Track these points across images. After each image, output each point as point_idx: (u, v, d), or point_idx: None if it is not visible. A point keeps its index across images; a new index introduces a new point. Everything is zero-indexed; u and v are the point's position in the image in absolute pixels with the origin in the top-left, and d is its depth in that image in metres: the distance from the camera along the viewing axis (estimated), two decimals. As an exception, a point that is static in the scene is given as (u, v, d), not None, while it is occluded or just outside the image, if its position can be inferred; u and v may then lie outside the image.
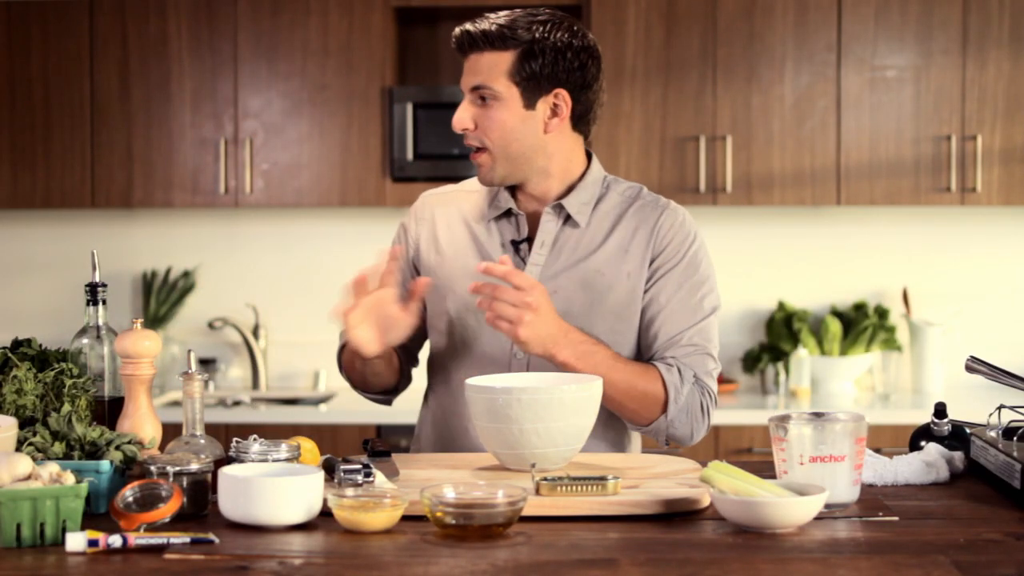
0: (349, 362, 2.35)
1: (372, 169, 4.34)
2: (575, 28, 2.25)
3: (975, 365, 2.12)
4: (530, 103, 2.22)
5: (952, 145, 4.24)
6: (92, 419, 1.98)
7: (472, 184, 2.39)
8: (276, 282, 4.71)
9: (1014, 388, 2.08)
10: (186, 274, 4.69)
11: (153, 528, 1.65)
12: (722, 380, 4.48)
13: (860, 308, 4.53)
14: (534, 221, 2.30)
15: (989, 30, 4.24)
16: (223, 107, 4.36)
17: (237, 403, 4.36)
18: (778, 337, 4.49)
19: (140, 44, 4.36)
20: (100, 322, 2.06)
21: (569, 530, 1.69)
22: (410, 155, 4.32)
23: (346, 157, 4.35)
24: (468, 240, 2.32)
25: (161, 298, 4.65)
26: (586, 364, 2.11)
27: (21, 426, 1.85)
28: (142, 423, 1.93)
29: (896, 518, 1.76)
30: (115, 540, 1.57)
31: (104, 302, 2.06)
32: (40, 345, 2.05)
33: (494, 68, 2.22)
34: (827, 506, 1.75)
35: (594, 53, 2.26)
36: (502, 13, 2.26)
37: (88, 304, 2.07)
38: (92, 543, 1.57)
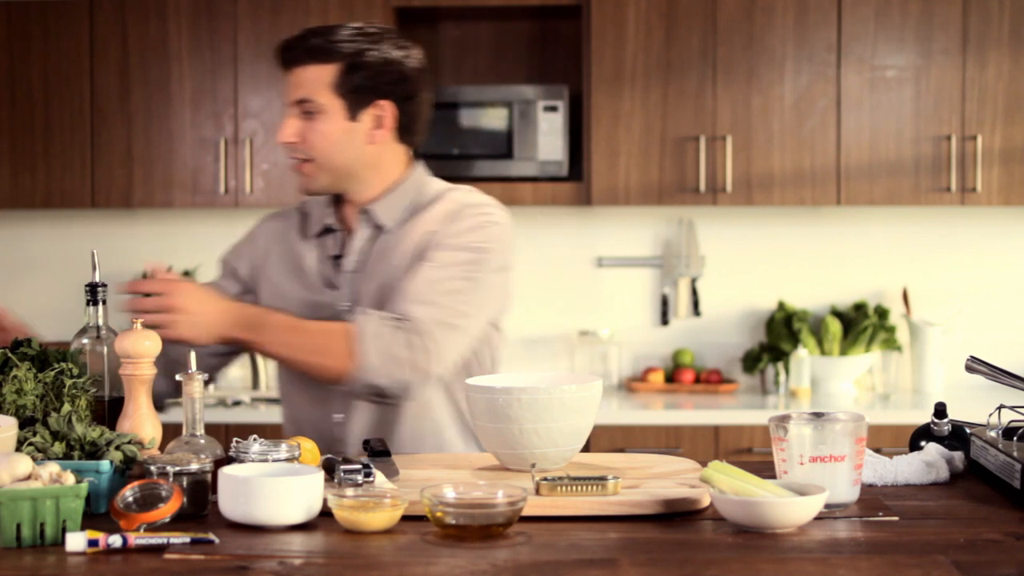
0: None
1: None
2: (398, 41, 2.32)
3: (975, 365, 2.12)
4: (354, 115, 2.28)
5: (952, 145, 4.24)
6: (92, 419, 1.98)
7: (305, 204, 2.45)
8: (276, 282, 4.70)
9: (1014, 388, 2.08)
10: (186, 274, 4.69)
11: (153, 528, 1.65)
12: (722, 380, 4.49)
13: (860, 308, 4.53)
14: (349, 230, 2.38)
15: (989, 30, 4.23)
16: (223, 107, 4.36)
17: (237, 403, 4.36)
18: (778, 337, 4.49)
19: (140, 44, 4.36)
20: (100, 322, 2.06)
21: (569, 530, 1.69)
22: (410, 155, 4.31)
23: (346, 157, 4.34)
24: (289, 260, 2.39)
25: (161, 298, 4.64)
26: (259, 334, 2.15)
27: (21, 426, 1.85)
28: (142, 423, 1.93)
29: (896, 518, 1.76)
30: (115, 540, 1.57)
31: (104, 302, 2.07)
32: (40, 345, 2.05)
33: (317, 81, 2.27)
34: (827, 506, 1.75)
35: (418, 66, 2.32)
36: (325, 27, 2.33)
37: (88, 304, 2.07)
38: (92, 543, 1.57)
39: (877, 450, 2.20)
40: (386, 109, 2.29)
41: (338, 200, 2.39)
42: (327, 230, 2.38)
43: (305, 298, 2.33)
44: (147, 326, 1.99)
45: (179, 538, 1.59)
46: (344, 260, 2.34)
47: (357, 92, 2.27)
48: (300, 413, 2.40)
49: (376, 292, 2.28)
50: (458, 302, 2.21)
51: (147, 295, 2.15)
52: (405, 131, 2.34)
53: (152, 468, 1.75)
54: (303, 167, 2.30)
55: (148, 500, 1.68)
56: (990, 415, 2.04)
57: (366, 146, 2.30)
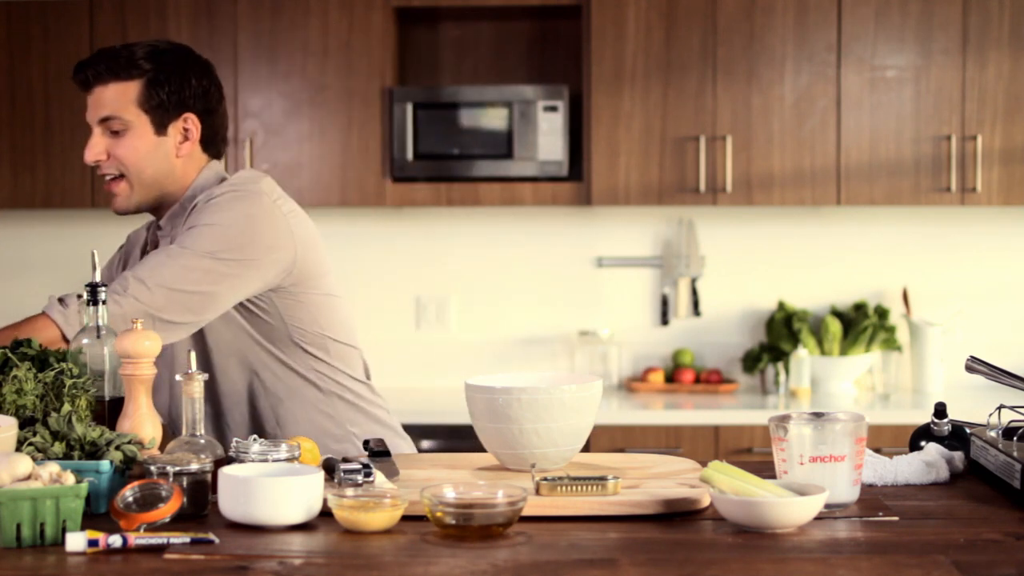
0: None
1: (372, 169, 4.34)
2: (194, 54, 2.39)
3: (975, 365, 2.12)
4: (161, 129, 2.32)
5: (952, 145, 4.24)
6: (92, 419, 1.98)
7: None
8: (276, 282, 4.70)
9: (1014, 388, 2.08)
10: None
11: (153, 528, 1.65)
12: (722, 380, 4.49)
13: (860, 308, 4.53)
14: None
15: (989, 30, 4.23)
16: (223, 107, 4.35)
17: (237, 403, 4.36)
18: (778, 337, 4.49)
19: (140, 44, 4.36)
20: (100, 322, 2.06)
21: (569, 530, 1.69)
22: (410, 155, 4.32)
23: (346, 157, 4.34)
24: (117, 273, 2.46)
25: (161, 298, 4.64)
26: None
27: (21, 426, 1.85)
28: (142, 423, 1.93)
29: (896, 518, 1.76)
30: (115, 540, 1.57)
31: (104, 302, 2.06)
32: (40, 345, 2.05)
33: (121, 98, 2.29)
34: (827, 506, 1.75)
35: (215, 79, 2.42)
36: (121, 46, 2.33)
37: (88, 304, 2.06)
38: (92, 543, 1.57)
39: (877, 450, 2.20)
40: (192, 122, 2.35)
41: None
42: (144, 249, 2.46)
43: None
44: None
45: (179, 538, 1.59)
46: None
47: (162, 107, 2.31)
48: (166, 404, 2.42)
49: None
50: (177, 278, 2.18)
51: None
52: (209, 143, 2.40)
53: (152, 468, 1.75)
54: (114, 186, 2.35)
55: (148, 500, 1.68)
56: (990, 415, 2.04)
57: (174, 159, 2.35)
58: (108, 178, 2.34)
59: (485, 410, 1.98)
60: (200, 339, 2.34)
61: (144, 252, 2.46)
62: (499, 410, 1.95)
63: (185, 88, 2.33)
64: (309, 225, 2.41)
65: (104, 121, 2.30)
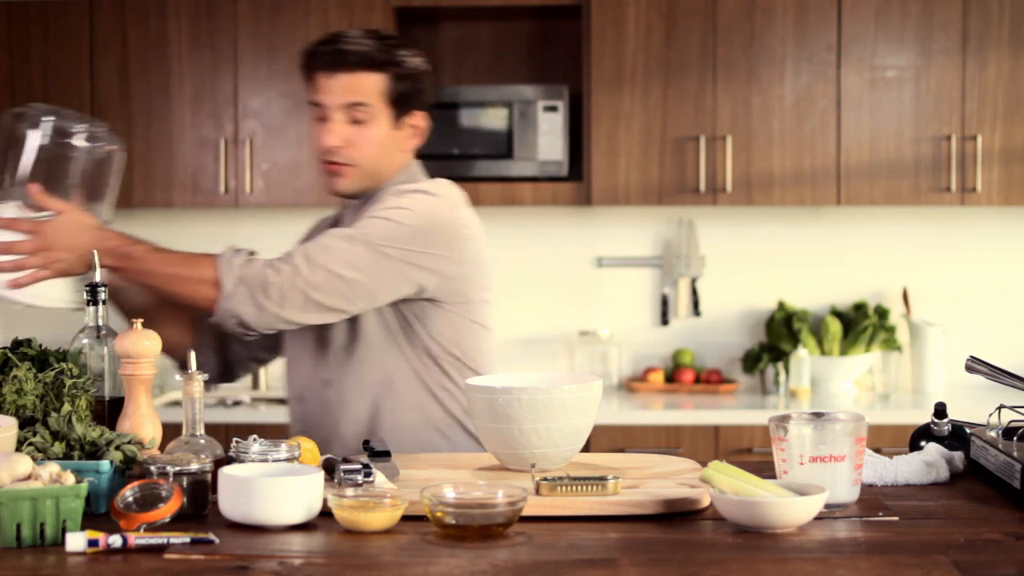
0: None
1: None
2: (422, 56, 2.39)
3: (975, 365, 2.12)
4: (397, 123, 2.34)
5: (952, 145, 4.24)
6: (92, 419, 1.98)
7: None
8: (276, 282, 4.70)
9: (1014, 388, 2.08)
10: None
11: (153, 528, 1.65)
12: (722, 380, 4.49)
13: (860, 308, 4.53)
14: None
15: (989, 30, 4.24)
16: (223, 107, 4.36)
17: (237, 403, 4.36)
18: (778, 337, 4.49)
19: (140, 44, 4.36)
20: (100, 322, 2.06)
21: (569, 530, 1.69)
22: (410, 155, 4.31)
23: (346, 157, 4.34)
24: None
25: (161, 298, 4.65)
26: (126, 262, 2.17)
27: (21, 426, 1.85)
28: (142, 423, 1.93)
29: (896, 518, 1.76)
30: (115, 540, 1.57)
31: (104, 302, 2.07)
32: (40, 345, 2.05)
33: (371, 87, 2.30)
34: (827, 506, 1.75)
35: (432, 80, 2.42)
36: (358, 35, 2.34)
37: (88, 304, 2.07)
38: (92, 543, 1.57)
39: (877, 450, 2.20)
40: (420, 119, 2.38)
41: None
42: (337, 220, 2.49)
43: None
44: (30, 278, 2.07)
45: (179, 538, 1.59)
46: None
47: (403, 101, 2.33)
48: (297, 377, 2.44)
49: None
50: (340, 261, 2.20)
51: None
52: (425, 139, 2.44)
53: (152, 468, 1.75)
54: (341, 169, 2.34)
55: (148, 500, 1.68)
56: (990, 415, 2.04)
57: (398, 153, 2.37)
58: (334, 163, 2.34)
59: (485, 410, 1.98)
60: (352, 328, 2.34)
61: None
62: (499, 410, 1.95)
63: (422, 86, 2.36)
64: (483, 248, 2.39)
65: (350, 107, 2.30)
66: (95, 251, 2.13)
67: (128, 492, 1.69)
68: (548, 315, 4.63)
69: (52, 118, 2.20)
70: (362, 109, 2.29)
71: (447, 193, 2.36)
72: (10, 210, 2.15)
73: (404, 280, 2.25)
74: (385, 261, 2.22)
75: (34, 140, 2.21)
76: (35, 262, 2.14)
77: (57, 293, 2.17)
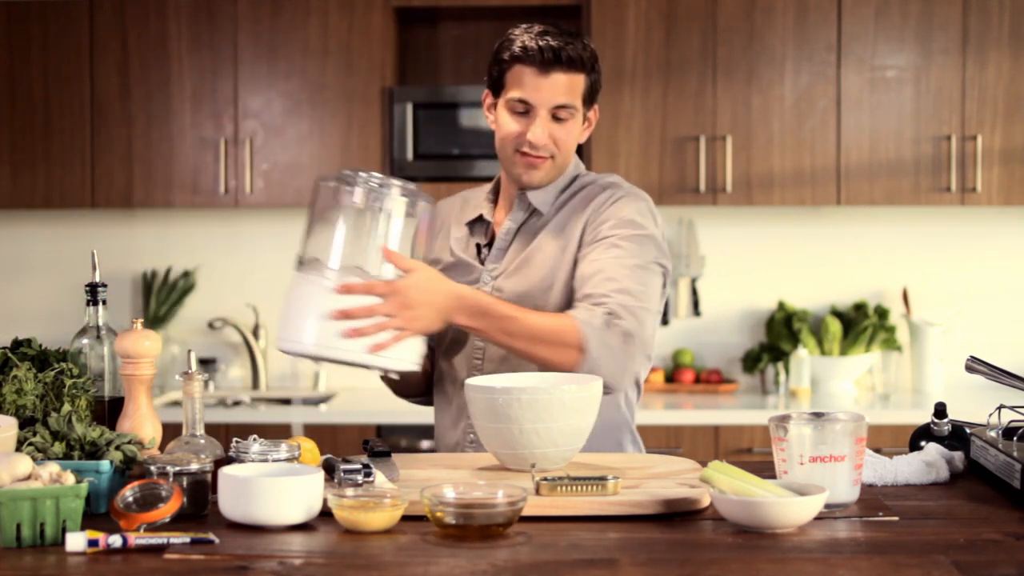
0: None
1: (372, 169, 4.33)
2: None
3: (975, 365, 2.12)
4: (584, 119, 2.39)
5: (952, 145, 4.24)
6: (92, 419, 1.98)
7: (473, 191, 2.54)
8: (276, 282, 4.69)
9: (1014, 388, 2.08)
10: (186, 274, 4.69)
11: (153, 528, 1.65)
12: (722, 380, 4.49)
13: (860, 308, 4.53)
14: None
15: (989, 30, 4.24)
16: (223, 107, 4.36)
17: (237, 403, 4.36)
18: (778, 337, 4.49)
19: (140, 44, 4.36)
20: (100, 322, 2.06)
21: (569, 530, 1.69)
22: (410, 155, 4.32)
23: (346, 157, 4.34)
24: (446, 245, 2.48)
25: (161, 298, 4.65)
26: (483, 321, 2.15)
27: (21, 426, 1.85)
28: (142, 423, 1.93)
29: (896, 518, 1.76)
30: (115, 540, 1.57)
31: (104, 302, 2.07)
32: (40, 345, 2.05)
33: (576, 88, 2.33)
34: (827, 506, 1.75)
35: None
36: (558, 32, 2.35)
37: (88, 304, 2.07)
38: (92, 543, 1.57)
39: (877, 450, 2.20)
40: (595, 113, 2.42)
41: (497, 191, 2.47)
42: (479, 219, 2.45)
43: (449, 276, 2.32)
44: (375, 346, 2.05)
45: (179, 538, 1.59)
46: (494, 243, 2.41)
47: (591, 99, 2.38)
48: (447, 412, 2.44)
49: (523, 265, 2.34)
50: (641, 290, 2.25)
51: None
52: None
53: (152, 468, 1.75)
54: (540, 162, 2.35)
55: (148, 500, 1.68)
56: (990, 415, 2.04)
57: (576, 145, 2.42)
58: (535, 155, 2.34)
59: (485, 410, 1.98)
60: None
61: (479, 220, 2.44)
62: (499, 410, 1.95)
63: (600, 82, 2.39)
64: None
65: (559, 108, 2.32)
66: (94, 251, 2.12)
67: (128, 492, 1.69)
68: (548, 315, 4.63)
69: (366, 179, 2.20)
70: (567, 109, 2.32)
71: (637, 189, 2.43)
72: (352, 274, 2.10)
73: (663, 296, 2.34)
74: (658, 281, 2.30)
75: (357, 200, 2.19)
76: (396, 323, 2.07)
77: (412, 355, 2.13)
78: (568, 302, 2.29)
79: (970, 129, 4.24)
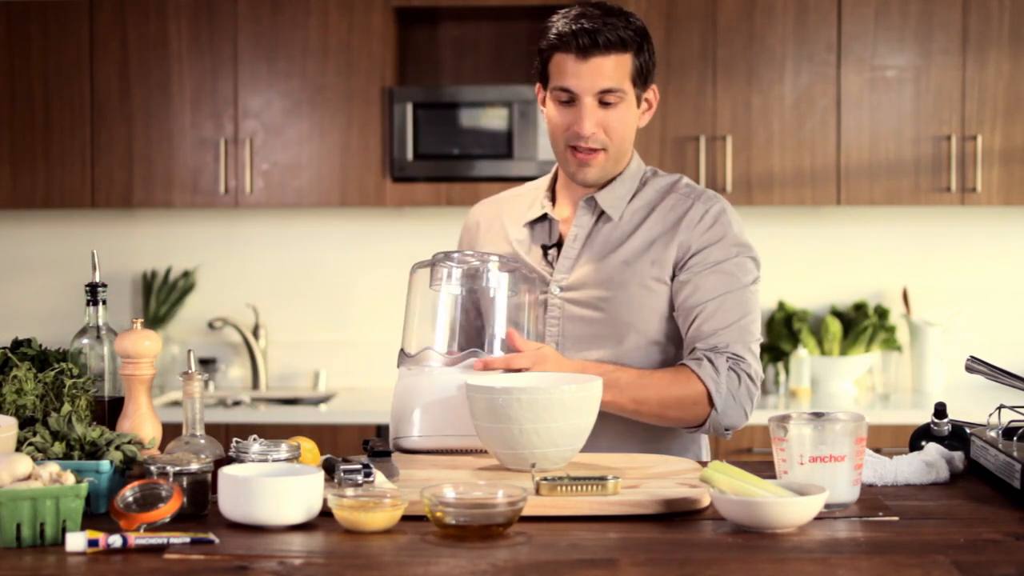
0: None
1: (372, 169, 4.34)
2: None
3: (975, 365, 2.12)
4: (639, 101, 2.28)
5: (952, 145, 4.24)
6: (92, 419, 1.98)
7: (518, 189, 2.45)
8: (276, 282, 4.71)
9: (1014, 388, 2.08)
10: (186, 274, 4.69)
11: (153, 528, 1.65)
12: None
13: (860, 308, 4.53)
14: (568, 219, 2.35)
15: (989, 30, 4.24)
16: (223, 107, 4.36)
17: (237, 403, 4.36)
18: (778, 337, 4.49)
19: (140, 44, 4.37)
20: (100, 322, 2.06)
21: (569, 530, 1.69)
22: (410, 155, 4.32)
23: (346, 157, 4.35)
24: (502, 245, 2.36)
25: (161, 298, 4.65)
26: (613, 393, 2.13)
27: (21, 426, 1.85)
28: (142, 423, 1.93)
29: (896, 518, 1.76)
30: (115, 540, 1.57)
31: (104, 302, 2.07)
32: (40, 345, 2.05)
33: (620, 70, 2.22)
34: (827, 506, 1.75)
35: None
36: (599, 13, 2.23)
37: (88, 304, 2.07)
38: (92, 543, 1.57)
39: (877, 450, 2.19)
40: (654, 93, 2.32)
41: (553, 187, 2.38)
42: (542, 218, 2.35)
43: None
44: None
45: (179, 538, 1.59)
46: (559, 253, 2.31)
47: (644, 79, 2.27)
48: None
49: (604, 278, 2.27)
50: (751, 319, 2.25)
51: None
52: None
53: (152, 468, 1.75)
54: (593, 157, 2.25)
55: (148, 500, 1.68)
56: (990, 415, 2.04)
57: (635, 131, 2.32)
58: (586, 149, 2.24)
59: (485, 410, 1.98)
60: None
61: (542, 219, 2.35)
62: (499, 410, 1.95)
63: (653, 58, 2.28)
64: None
65: (603, 93, 2.21)
66: (94, 251, 2.12)
67: (128, 492, 1.69)
68: (548, 315, 4.62)
69: (465, 265, 2.19)
70: (614, 93, 2.22)
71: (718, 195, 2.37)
72: (468, 359, 2.11)
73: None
74: (759, 298, 2.29)
75: (456, 282, 2.18)
76: None
77: None
78: (648, 317, 2.24)
79: (970, 129, 4.24)
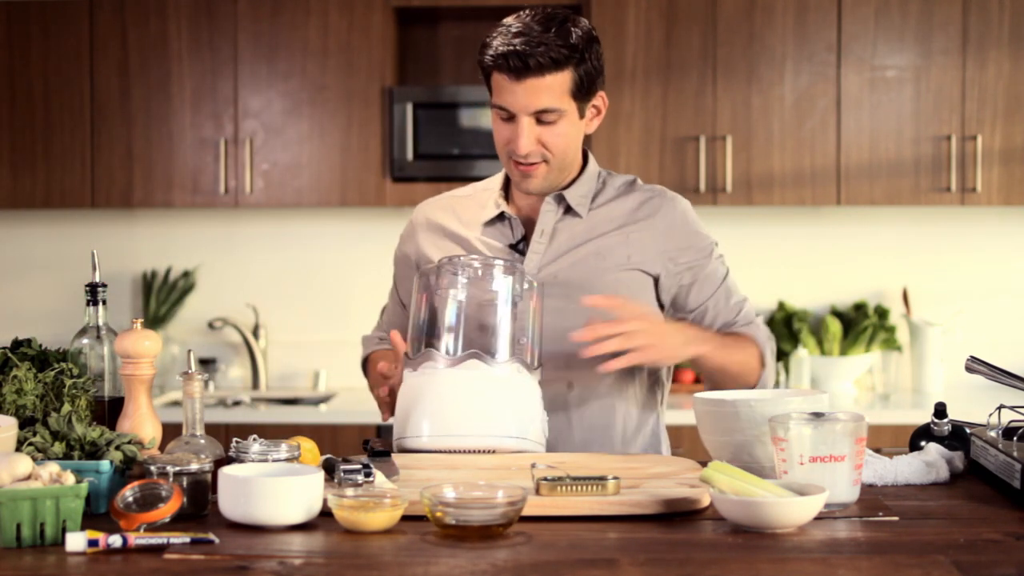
0: (375, 380, 2.40)
1: (372, 169, 4.34)
2: (587, 22, 2.28)
3: (975, 365, 2.12)
4: (583, 113, 2.27)
5: (952, 145, 4.24)
6: (92, 419, 1.98)
7: (463, 190, 2.46)
8: (276, 282, 4.71)
9: (1014, 388, 2.08)
10: (186, 274, 4.69)
11: (153, 528, 1.65)
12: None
13: (860, 308, 4.53)
14: (524, 217, 2.36)
15: (989, 30, 4.24)
16: (223, 107, 4.36)
17: (237, 403, 4.36)
18: (778, 337, 4.49)
19: (140, 44, 4.37)
20: (100, 322, 2.06)
21: (569, 530, 1.69)
22: (410, 155, 4.32)
23: (346, 157, 4.35)
24: (451, 246, 2.36)
25: (161, 298, 4.65)
26: (713, 347, 2.27)
27: (21, 426, 1.85)
28: (142, 423, 1.93)
29: (896, 518, 1.76)
30: (115, 540, 1.57)
31: (104, 302, 2.06)
32: (40, 345, 2.05)
33: (558, 88, 2.20)
34: (827, 506, 1.75)
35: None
36: (538, 30, 2.20)
37: (88, 304, 2.07)
38: (92, 543, 1.57)
39: (877, 450, 2.19)
40: (602, 98, 2.31)
41: (506, 187, 2.39)
42: (500, 217, 2.35)
43: None
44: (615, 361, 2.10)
45: (179, 538, 1.59)
46: (526, 246, 2.32)
47: (586, 90, 2.25)
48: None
49: (576, 269, 2.30)
50: (744, 296, 2.48)
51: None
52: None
53: (152, 468, 1.75)
54: (534, 169, 2.26)
55: (148, 500, 1.68)
56: (990, 415, 2.04)
57: (582, 137, 2.31)
58: (527, 163, 2.25)
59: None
60: None
61: (499, 218, 2.36)
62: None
63: (599, 66, 2.25)
64: None
65: (539, 112, 2.21)
66: (94, 251, 2.12)
67: (128, 492, 1.69)
68: (548, 315, 4.62)
69: (468, 269, 2.19)
70: (551, 113, 2.21)
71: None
72: (469, 359, 2.12)
73: None
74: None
75: (461, 287, 2.18)
76: (645, 339, 2.16)
77: (539, 433, 2.17)
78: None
79: (970, 129, 4.24)
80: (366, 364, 2.53)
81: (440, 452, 2.12)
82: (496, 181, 2.43)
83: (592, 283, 2.28)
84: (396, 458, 2.04)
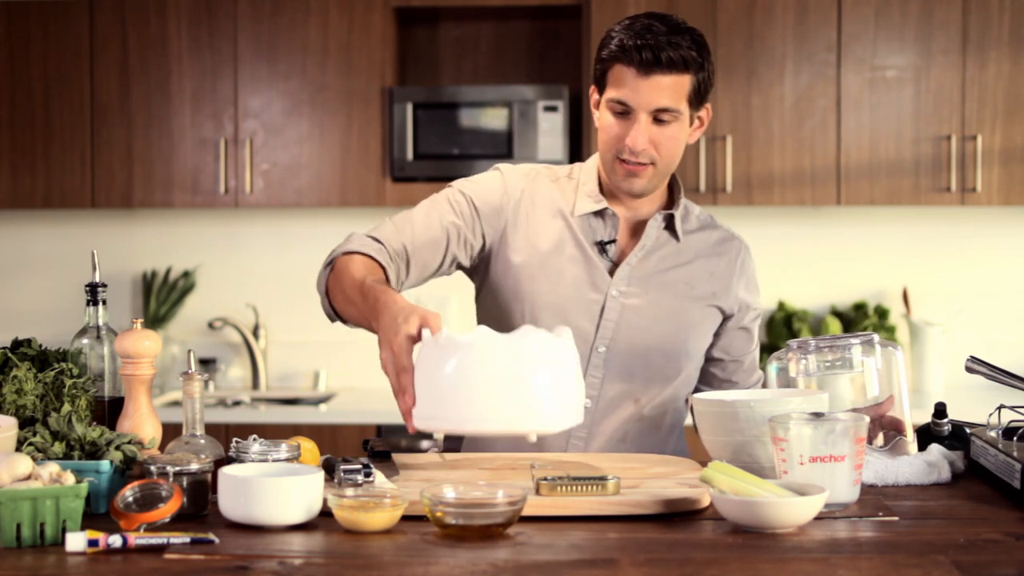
0: (342, 293, 2.30)
1: (372, 169, 4.34)
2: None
3: (975, 365, 2.12)
4: (691, 120, 2.25)
5: (952, 145, 4.24)
6: (92, 419, 1.98)
7: (550, 172, 2.36)
8: (276, 282, 4.71)
9: (1014, 388, 2.08)
10: (186, 274, 4.69)
11: (153, 528, 1.65)
12: (722, 380, 4.49)
13: (860, 308, 4.53)
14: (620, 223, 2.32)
15: (989, 30, 4.24)
16: (223, 107, 4.36)
17: (237, 403, 4.36)
18: (778, 337, 4.49)
19: (140, 44, 4.37)
20: (100, 322, 2.06)
21: (569, 530, 1.69)
22: (410, 155, 4.32)
23: (346, 157, 4.35)
24: (565, 233, 2.30)
25: (161, 298, 4.65)
26: None
27: (21, 426, 1.85)
28: (142, 423, 1.93)
29: (896, 518, 1.76)
30: (115, 540, 1.57)
31: (104, 302, 2.06)
32: (40, 345, 2.05)
33: (679, 90, 2.19)
34: (827, 506, 1.75)
35: None
36: (665, 29, 2.19)
37: (88, 304, 2.07)
38: (92, 543, 1.57)
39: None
40: (707, 111, 2.29)
41: (600, 183, 2.33)
42: (597, 212, 2.30)
43: (571, 272, 2.27)
44: None
45: (179, 538, 1.59)
46: (606, 250, 2.29)
47: (701, 98, 2.23)
48: None
49: (665, 292, 2.29)
50: None
51: None
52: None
53: (152, 468, 1.75)
54: (641, 169, 2.22)
55: (148, 500, 1.68)
56: (990, 415, 2.04)
57: (684, 147, 2.29)
58: (635, 162, 2.22)
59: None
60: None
61: (597, 213, 2.30)
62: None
63: (712, 78, 2.24)
64: None
65: (658, 111, 2.18)
66: (94, 251, 2.12)
67: (128, 492, 1.69)
68: (548, 315, 4.62)
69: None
70: (669, 113, 2.18)
71: None
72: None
73: None
74: None
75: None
76: None
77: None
78: (700, 334, 2.33)
79: (970, 129, 4.24)
80: (334, 262, 2.39)
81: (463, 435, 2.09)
82: (587, 175, 2.33)
83: (682, 310, 2.30)
84: (396, 458, 2.04)
